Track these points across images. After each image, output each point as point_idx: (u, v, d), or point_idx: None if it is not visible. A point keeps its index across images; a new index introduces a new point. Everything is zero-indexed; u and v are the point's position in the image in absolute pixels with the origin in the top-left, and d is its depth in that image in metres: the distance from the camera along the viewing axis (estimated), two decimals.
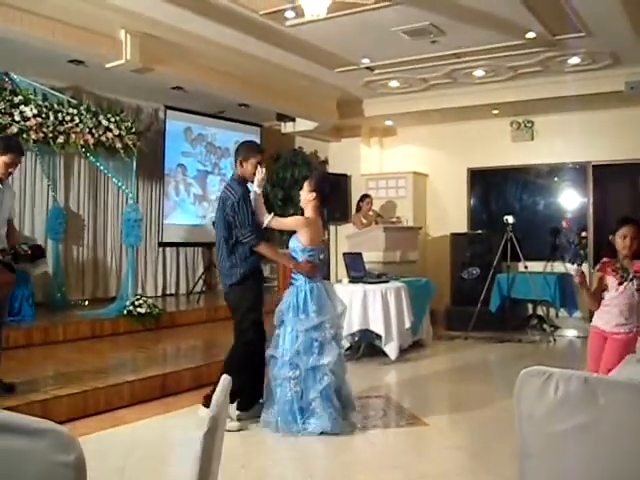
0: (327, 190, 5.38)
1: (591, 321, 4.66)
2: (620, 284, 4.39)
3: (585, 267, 4.73)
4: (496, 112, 10.52)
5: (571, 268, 4.56)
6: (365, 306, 7.57)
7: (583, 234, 4.82)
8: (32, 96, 7.75)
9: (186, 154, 10.81)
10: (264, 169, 5.25)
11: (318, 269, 5.24)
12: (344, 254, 8.45)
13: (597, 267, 4.64)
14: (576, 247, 4.55)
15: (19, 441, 1.40)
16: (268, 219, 5.23)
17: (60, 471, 1.39)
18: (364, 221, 10.18)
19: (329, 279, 9.60)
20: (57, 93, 8.21)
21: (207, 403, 4.73)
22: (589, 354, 4.59)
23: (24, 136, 7.49)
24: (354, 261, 8.14)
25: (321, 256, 5.37)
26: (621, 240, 4.40)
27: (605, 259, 4.55)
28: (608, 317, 4.45)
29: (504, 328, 9.45)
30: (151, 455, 4.52)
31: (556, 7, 6.65)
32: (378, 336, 7.61)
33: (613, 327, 4.40)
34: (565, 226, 4.99)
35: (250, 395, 5.20)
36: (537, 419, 2.21)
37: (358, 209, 10.39)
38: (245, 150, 5.34)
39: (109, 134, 8.44)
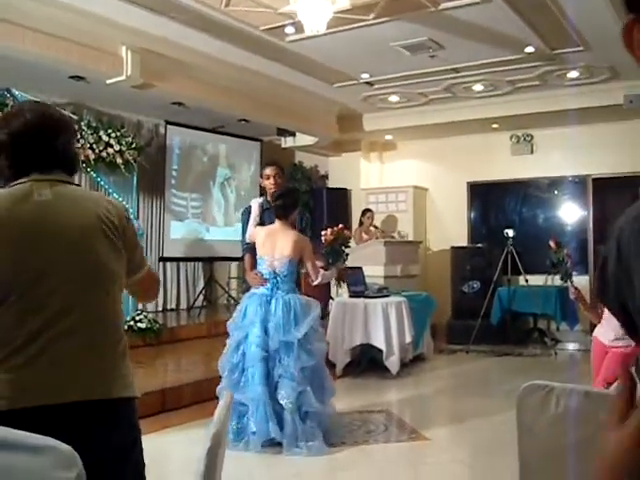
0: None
1: (592, 333, 4.67)
2: None
3: (587, 279, 4.75)
4: (495, 126, 10.55)
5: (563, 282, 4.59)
6: (366, 321, 7.58)
7: (565, 251, 4.84)
8: None
9: (185, 168, 10.83)
10: (266, 181, 5.78)
11: (260, 280, 5.14)
12: (344, 268, 8.46)
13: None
14: (565, 265, 4.56)
15: (21, 458, 1.40)
16: (248, 233, 5.51)
17: None
18: (365, 236, 10.20)
19: (324, 294, 9.46)
20: (58, 109, 8.23)
21: None
22: (593, 366, 4.57)
23: None
24: (355, 276, 8.14)
25: (267, 268, 5.11)
26: None
27: None
28: (608, 330, 4.45)
29: (505, 341, 9.44)
30: (151, 472, 4.49)
31: (554, 22, 6.69)
32: (379, 350, 7.60)
33: (612, 341, 4.39)
34: (553, 245, 4.98)
35: None
36: (537, 434, 2.21)
37: (360, 224, 10.44)
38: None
39: (110, 149, 8.47)
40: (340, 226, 5.76)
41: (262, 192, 6.28)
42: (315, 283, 5.22)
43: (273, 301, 5.02)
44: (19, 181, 2.00)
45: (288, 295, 5.05)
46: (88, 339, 1.94)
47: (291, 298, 5.05)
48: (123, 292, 2.16)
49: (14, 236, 1.91)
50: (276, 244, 5.11)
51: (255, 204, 5.64)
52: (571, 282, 4.49)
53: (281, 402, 4.81)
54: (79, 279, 1.95)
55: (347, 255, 5.84)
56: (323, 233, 5.69)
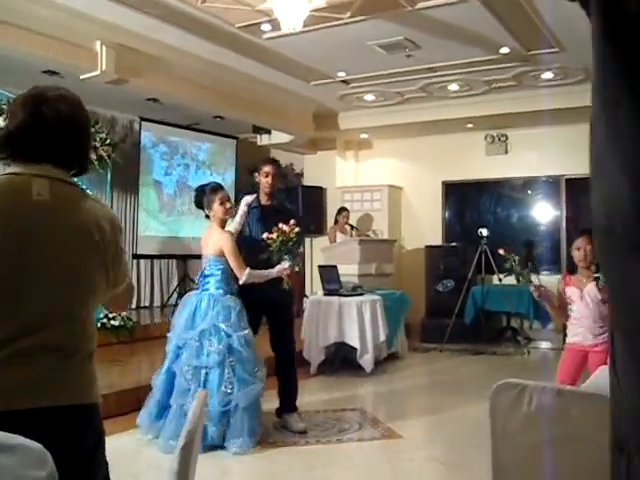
0: None
1: (565, 336, 4.65)
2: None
3: (559, 279, 4.75)
4: (470, 126, 10.61)
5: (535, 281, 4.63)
6: (340, 319, 7.58)
7: (516, 257, 4.87)
8: (5, 106, 7.68)
9: (160, 165, 10.78)
10: (264, 179, 5.50)
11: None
12: (319, 267, 8.46)
13: (558, 281, 4.65)
14: (516, 271, 4.60)
15: None
16: None
17: None
18: (339, 236, 10.19)
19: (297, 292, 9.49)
20: None
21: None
22: (561, 369, 4.52)
23: None
24: (329, 274, 8.14)
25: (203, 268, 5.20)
26: (577, 252, 4.39)
27: (565, 272, 4.57)
28: (583, 330, 4.36)
29: (479, 340, 9.50)
30: (126, 471, 4.47)
31: (530, 23, 6.73)
32: (353, 349, 7.61)
33: (593, 339, 4.31)
34: (502, 253, 5.02)
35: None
36: (511, 432, 2.22)
37: (336, 222, 10.44)
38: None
39: None
40: (281, 226, 5.04)
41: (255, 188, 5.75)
42: (241, 282, 4.99)
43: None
44: (16, 171, 1.93)
45: (203, 293, 5.02)
46: (60, 347, 1.88)
47: (205, 296, 4.99)
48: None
49: (3, 232, 1.86)
50: (206, 243, 5.12)
51: (243, 202, 5.37)
52: (530, 282, 4.51)
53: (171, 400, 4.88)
54: (58, 286, 1.90)
55: (294, 256, 5.26)
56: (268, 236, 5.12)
